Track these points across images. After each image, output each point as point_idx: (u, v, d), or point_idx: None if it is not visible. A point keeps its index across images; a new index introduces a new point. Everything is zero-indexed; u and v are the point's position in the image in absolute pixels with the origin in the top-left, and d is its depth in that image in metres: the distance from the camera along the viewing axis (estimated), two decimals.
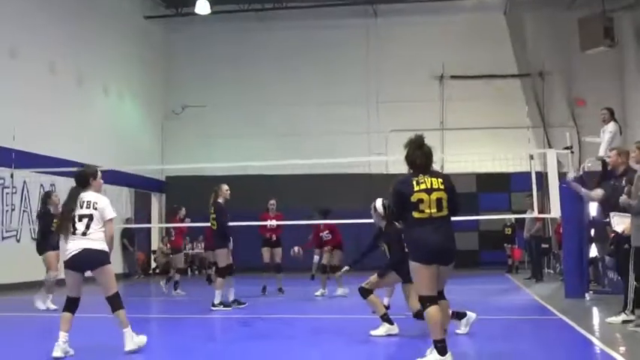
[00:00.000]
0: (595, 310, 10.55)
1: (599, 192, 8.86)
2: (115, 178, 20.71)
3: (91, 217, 6.75)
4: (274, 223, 14.15)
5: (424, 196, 5.83)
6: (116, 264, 22.71)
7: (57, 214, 11.35)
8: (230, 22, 25.33)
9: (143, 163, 23.30)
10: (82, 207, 6.79)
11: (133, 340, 6.85)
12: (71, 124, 19.70)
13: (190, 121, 25.73)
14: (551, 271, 20.37)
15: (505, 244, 21.70)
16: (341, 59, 25.39)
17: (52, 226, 11.29)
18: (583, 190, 10.58)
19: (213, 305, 11.10)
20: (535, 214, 14.77)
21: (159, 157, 25.56)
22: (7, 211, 16.68)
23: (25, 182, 17.42)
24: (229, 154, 23.04)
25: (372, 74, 25.47)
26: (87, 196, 6.87)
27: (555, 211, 12.89)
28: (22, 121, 16.86)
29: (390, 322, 8.04)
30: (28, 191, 17.76)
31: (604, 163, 11.52)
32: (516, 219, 20.44)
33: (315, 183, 21.63)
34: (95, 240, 6.73)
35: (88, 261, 6.71)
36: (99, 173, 7.13)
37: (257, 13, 25.20)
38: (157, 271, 23.79)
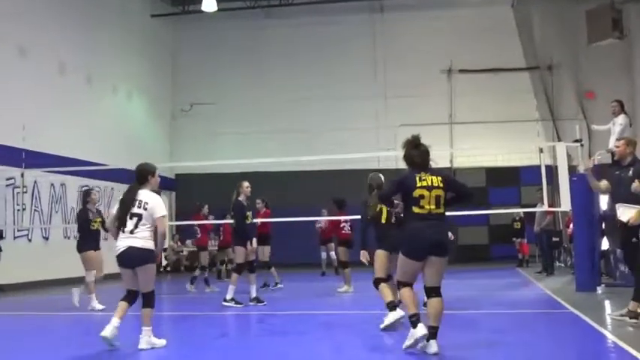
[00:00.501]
0: (607, 304, 10.52)
1: (604, 183, 8.81)
2: (124, 176, 20.77)
3: (140, 217, 6.96)
4: (258, 220, 14.14)
5: (425, 192, 6.28)
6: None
7: (95, 213, 11.41)
8: (237, 19, 25.35)
9: (152, 161, 22.67)
10: (134, 206, 7.01)
11: (149, 340, 6.98)
12: (80, 123, 19.77)
13: (199, 118, 25.78)
14: (562, 265, 20.32)
15: (514, 239, 21.65)
16: (348, 55, 25.38)
17: (91, 224, 11.27)
18: (591, 181, 10.52)
19: (225, 300, 11.11)
20: (545, 207, 14.73)
21: (168, 155, 25.61)
22: (18, 210, 16.75)
23: (35, 182, 17.52)
24: (238, 151, 23.10)
25: (380, 69, 25.46)
26: (141, 194, 7.07)
27: (566, 204, 12.85)
28: (31, 120, 16.93)
29: (393, 309, 7.93)
30: (38, 191, 17.84)
31: (614, 155, 11.45)
32: (526, 213, 20.36)
33: (324, 179, 21.66)
34: (140, 239, 6.94)
35: (132, 258, 6.93)
36: (157, 171, 7.34)
37: (264, 10, 25.22)
38: (168, 269, 23.91)
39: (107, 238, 10.38)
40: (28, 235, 17.58)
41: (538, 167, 13.80)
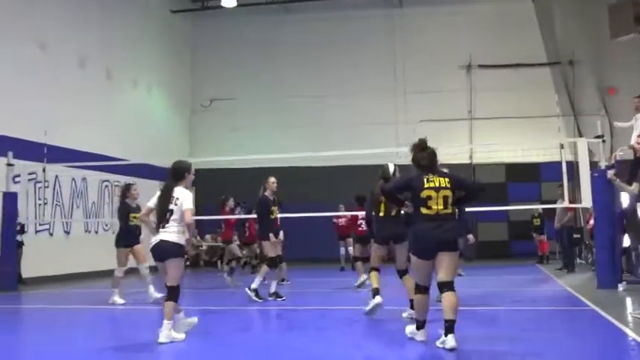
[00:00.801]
0: (628, 301, 10.42)
1: (635, 185, 8.74)
2: (144, 171, 20.93)
3: (172, 212, 7.18)
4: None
5: (433, 193, 6.46)
6: (148, 257, 22.90)
7: (135, 208, 11.40)
8: (256, 14, 25.38)
9: (171, 156, 23.31)
10: (170, 202, 7.22)
11: (168, 334, 7.05)
12: (101, 118, 19.92)
13: (218, 113, 25.88)
14: (583, 262, 20.15)
15: (534, 235, 21.52)
16: (367, 50, 25.34)
17: (130, 220, 11.28)
18: (621, 185, 10.46)
19: (249, 288, 11.10)
20: (566, 204, 14.62)
21: (187, 151, 25.73)
22: (39, 205, 16.93)
23: (56, 176, 17.67)
24: (257, 146, 23.14)
25: (399, 65, 25.38)
26: (176, 191, 7.27)
27: (587, 201, 12.75)
28: (52, 115, 17.11)
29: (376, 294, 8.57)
30: (59, 185, 18.00)
31: (636, 152, 11.36)
32: (545, 209, 20.22)
33: (342, 174, 21.65)
34: (171, 232, 7.15)
35: (162, 251, 7.14)
36: (192, 169, 7.55)
37: (282, 5, 25.22)
38: (187, 263, 24.00)
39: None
40: (49, 229, 17.76)
41: (559, 163, 13.71)
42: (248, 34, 25.84)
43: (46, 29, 17.86)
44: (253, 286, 11.13)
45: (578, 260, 19.68)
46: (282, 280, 14.66)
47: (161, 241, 7.13)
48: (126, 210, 11.44)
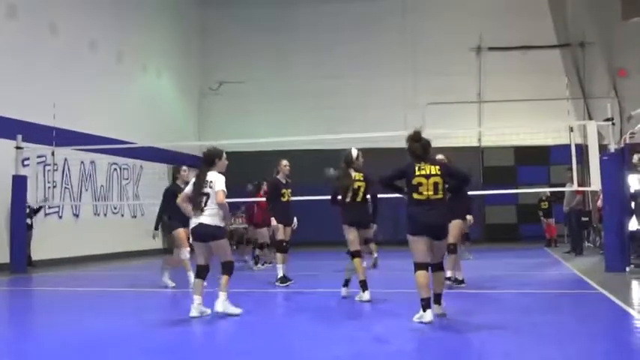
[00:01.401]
0: (635, 284, 10.41)
1: None
2: (153, 154, 20.99)
3: (208, 196, 7.64)
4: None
5: (423, 180, 7.07)
6: (157, 240, 23.02)
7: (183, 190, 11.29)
8: None
9: (180, 139, 23.51)
10: (205, 186, 7.69)
11: (224, 304, 7.63)
12: (110, 102, 19.94)
13: (227, 96, 25.84)
14: (591, 245, 20.11)
15: (542, 218, 21.48)
16: (377, 33, 25.20)
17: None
18: None
19: (277, 280, 11.01)
20: (575, 187, 14.57)
21: (196, 134, 25.76)
22: (48, 188, 17.01)
23: (65, 159, 17.74)
24: (266, 129, 23.10)
25: (409, 47, 25.22)
26: (209, 175, 7.72)
27: (595, 184, 12.70)
28: (62, 98, 17.11)
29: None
30: (68, 168, 18.07)
31: None
32: (553, 192, 20.16)
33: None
34: (209, 216, 7.62)
35: (203, 234, 7.65)
36: (224, 155, 7.96)
37: None
38: None
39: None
40: (58, 212, 17.85)
41: (568, 146, 13.65)
42: (258, 18, 25.72)
43: (56, 12, 17.85)
44: (279, 275, 11.04)
45: (586, 243, 19.65)
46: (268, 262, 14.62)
47: (200, 224, 7.61)
48: (176, 191, 11.13)
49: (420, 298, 6.92)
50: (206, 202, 7.60)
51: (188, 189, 7.83)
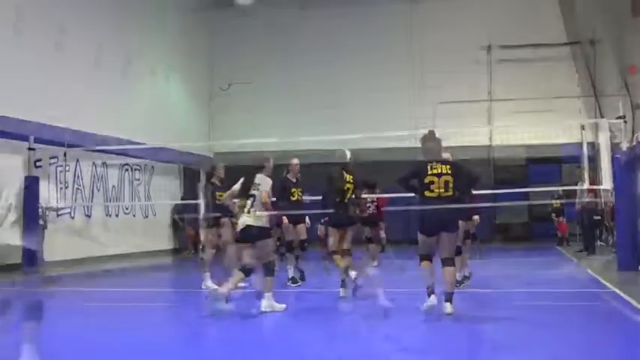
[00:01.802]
0: None
1: None
2: (164, 155, 21.08)
3: (254, 197, 8.01)
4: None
5: (435, 179, 7.48)
6: (167, 240, 23.21)
7: (221, 187, 11.19)
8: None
9: (191, 140, 23.55)
10: (253, 189, 8.08)
11: (270, 303, 7.93)
12: (120, 103, 19.99)
13: (237, 97, 25.85)
14: (604, 244, 20.03)
15: (553, 216, 21.40)
16: (385, 31, 25.11)
17: (216, 199, 10.82)
18: None
19: (289, 280, 11.03)
20: (586, 185, 14.52)
21: (206, 134, 25.80)
22: (60, 188, 17.08)
23: (77, 160, 17.84)
24: (275, 129, 23.08)
25: (417, 45, 25.10)
26: (257, 178, 8.16)
27: (607, 182, 12.65)
28: (73, 100, 17.20)
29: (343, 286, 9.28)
30: (80, 169, 18.16)
31: None
32: (565, 191, 20.07)
33: (360, 157, 21.55)
34: (256, 217, 7.97)
35: (249, 235, 7.99)
36: (271, 159, 8.41)
37: None
38: None
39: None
40: (70, 212, 17.93)
41: (579, 144, 13.60)
42: (265, 21, 25.63)
43: (65, 16, 17.90)
44: (290, 275, 11.03)
45: (598, 242, 19.56)
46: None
47: (247, 225, 7.95)
48: (212, 189, 11.19)
49: (426, 287, 7.36)
50: (252, 203, 7.94)
51: (236, 187, 8.28)
